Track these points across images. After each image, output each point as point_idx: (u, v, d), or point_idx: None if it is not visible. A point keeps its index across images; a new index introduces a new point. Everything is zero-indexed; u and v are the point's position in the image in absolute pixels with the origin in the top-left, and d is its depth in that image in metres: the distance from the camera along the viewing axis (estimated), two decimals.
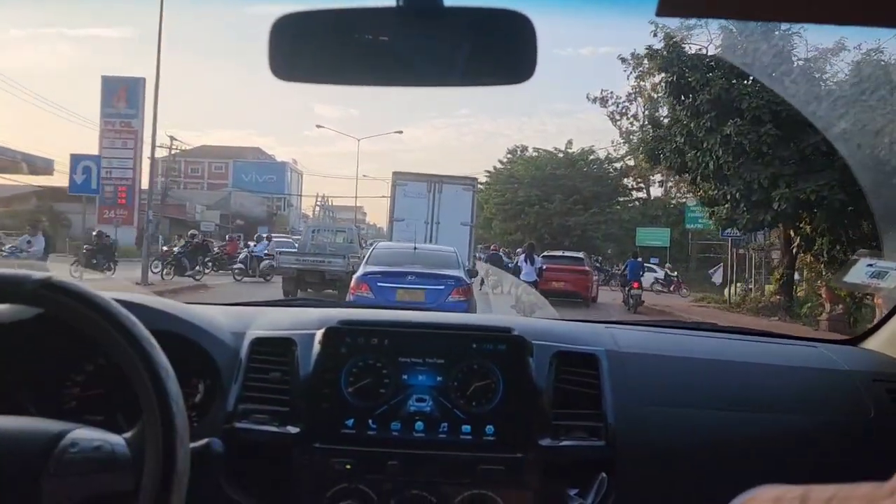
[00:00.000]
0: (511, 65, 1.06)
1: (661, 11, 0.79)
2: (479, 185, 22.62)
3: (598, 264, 28.57)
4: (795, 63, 15.04)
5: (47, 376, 1.49)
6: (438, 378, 1.55)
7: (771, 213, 15.63)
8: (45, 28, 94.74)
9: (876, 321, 2.03)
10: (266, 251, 22.33)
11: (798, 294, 18.10)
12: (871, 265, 2.49)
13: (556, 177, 38.58)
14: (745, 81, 15.96)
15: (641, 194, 42.08)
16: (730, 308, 19.90)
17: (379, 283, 8.84)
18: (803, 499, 0.62)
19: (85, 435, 0.97)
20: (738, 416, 1.61)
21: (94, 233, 19.70)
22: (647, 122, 21.75)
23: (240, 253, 22.69)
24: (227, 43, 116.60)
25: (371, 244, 13.35)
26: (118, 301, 1.03)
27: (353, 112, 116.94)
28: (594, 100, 40.88)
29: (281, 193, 57.92)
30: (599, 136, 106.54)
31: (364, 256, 10.79)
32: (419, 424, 1.52)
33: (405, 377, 1.55)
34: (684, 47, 17.37)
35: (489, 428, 1.51)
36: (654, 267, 28.55)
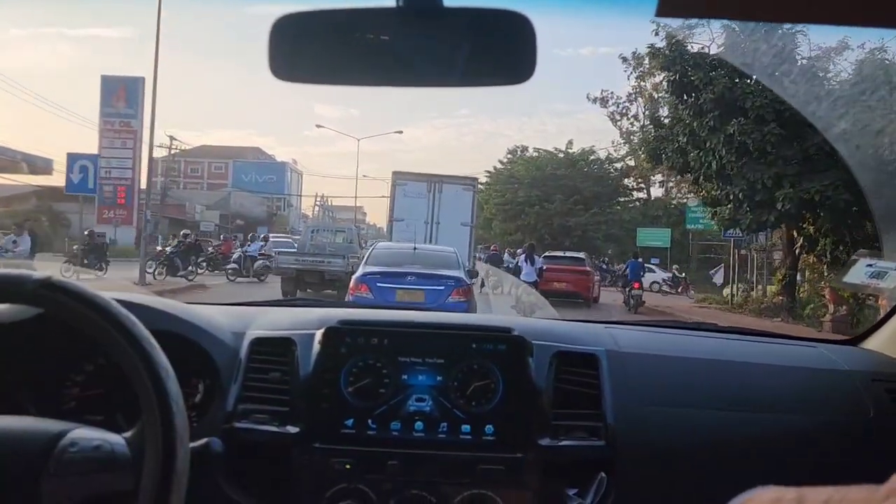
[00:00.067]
0: (511, 65, 1.06)
1: (661, 12, 0.79)
2: (480, 186, 22.54)
3: (604, 265, 28.38)
4: (799, 62, 14.83)
5: (47, 376, 1.49)
6: (438, 378, 1.55)
7: (774, 213, 15.48)
8: (45, 28, 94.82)
9: (875, 321, 2.03)
10: (260, 251, 22.24)
11: (801, 295, 18.00)
12: (870, 265, 2.49)
13: (556, 177, 38.57)
14: (749, 80, 15.78)
15: (642, 195, 42.13)
16: (732, 309, 19.78)
17: (378, 284, 8.79)
18: (799, 500, 0.62)
19: (85, 435, 0.97)
20: (737, 416, 1.61)
21: (85, 232, 19.50)
22: (648, 122, 21.67)
23: (233, 253, 22.49)
24: (227, 43, 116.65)
25: (371, 244, 13.31)
26: (118, 301, 1.03)
27: (353, 112, 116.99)
28: (594, 100, 40.90)
29: (281, 193, 57.94)
30: (600, 137, 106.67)
31: (363, 257, 10.78)
32: (419, 424, 1.52)
33: (405, 377, 1.55)
34: (687, 46, 17.27)
35: (489, 428, 1.52)
36: (653, 267, 28.47)
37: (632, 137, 39.96)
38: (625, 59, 36.15)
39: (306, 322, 1.66)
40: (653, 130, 19.55)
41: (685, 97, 16.96)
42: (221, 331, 1.61)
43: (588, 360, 1.62)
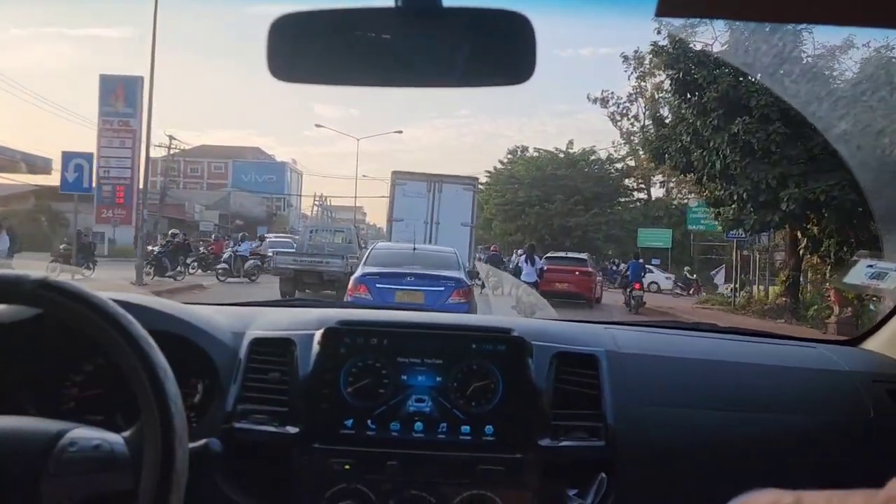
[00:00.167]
0: (510, 65, 1.06)
1: (661, 12, 0.79)
2: (480, 186, 22.46)
3: (613, 267, 28.11)
4: (804, 60, 14.60)
5: (46, 376, 1.49)
6: (438, 378, 1.55)
7: (779, 213, 15.32)
8: (45, 28, 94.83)
9: (876, 322, 2.03)
10: (253, 250, 22.10)
11: (804, 297, 17.86)
12: (871, 266, 2.49)
13: (556, 177, 38.55)
14: (754, 78, 15.55)
15: (643, 195, 42.12)
16: (734, 310, 19.65)
17: (377, 285, 8.70)
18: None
19: (84, 434, 0.97)
20: (737, 416, 1.61)
21: (72, 231, 19.16)
22: (649, 122, 21.57)
23: (224, 252, 22.07)
24: (226, 43, 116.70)
25: (370, 244, 13.25)
26: (116, 301, 1.03)
27: (353, 112, 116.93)
28: (595, 100, 41.02)
29: (280, 193, 57.95)
30: (600, 137, 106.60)
31: (362, 257, 10.74)
32: (418, 425, 1.52)
33: (404, 377, 1.55)
34: (690, 44, 17.14)
35: (488, 428, 1.51)
36: (652, 268, 28.38)
37: (632, 138, 40.04)
38: (626, 58, 36.21)
39: (306, 322, 1.66)
40: (655, 129, 19.37)
41: (688, 96, 16.78)
42: (220, 331, 1.61)
43: (588, 361, 1.62)
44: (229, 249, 21.83)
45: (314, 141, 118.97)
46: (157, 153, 39.70)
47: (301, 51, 1.06)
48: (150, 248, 20.99)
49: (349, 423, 1.50)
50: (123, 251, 25.79)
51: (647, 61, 36.68)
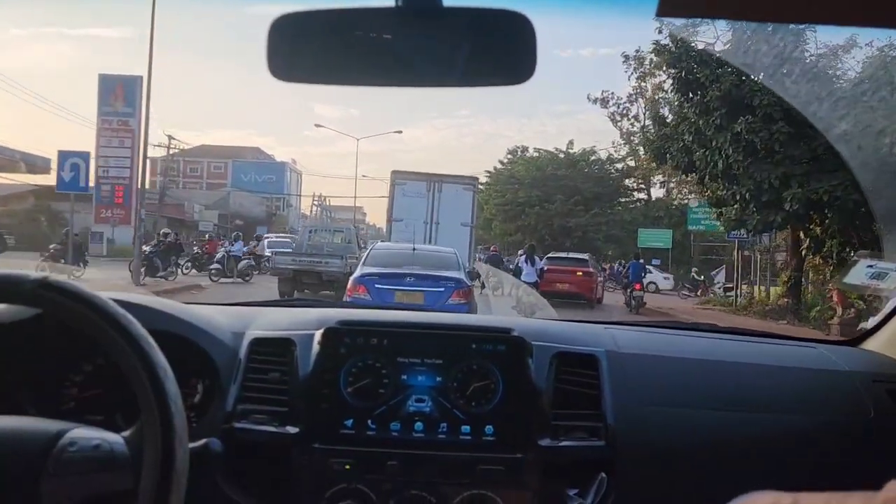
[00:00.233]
0: (511, 65, 1.06)
1: (662, 12, 0.78)
2: (480, 186, 22.37)
3: (621, 269, 27.82)
4: (807, 59, 14.47)
5: (46, 376, 1.49)
6: (438, 378, 1.55)
7: (782, 213, 15.18)
8: (45, 28, 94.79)
9: (876, 322, 2.03)
10: (249, 250, 21.84)
11: (805, 297, 17.73)
12: (871, 266, 2.49)
13: (556, 177, 38.55)
14: (756, 77, 15.46)
15: (643, 195, 42.12)
16: (735, 311, 19.51)
17: (377, 285, 8.63)
18: None
19: (84, 434, 0.97)
20: (737, 416, 1.61)
21: (63, 231, 18.83)
22: (650, 122, 21.47)
23: (217, 252, 21.65)
24: (226, 43, 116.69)
25: (370, 244, 13.21)
26: (116, 301, 1.03)
27: (353, 112, 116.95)
28: (595, 101, 41.08)
29: (280, 193, 57.95)
30: (600, 138, 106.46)
31: (362, 257, 10.66)
32: (418, 425, 1.52)
33: (404, 377, 1.55)
34: (692, 42, 17.04)
35: (489, 428, 1.51)
36: (651, 269, 28.26)
37: (632, 138, 40.07)
38: (627, 57, 36.20)
39: (306, 322, 1.66)
40: (657, 129, 19.23)
41: (691, 95, 16.63)
42: (221, 331, 1.61)
43: (588, 361, 1.62)
44: (222, 249, 21.48)
45: (314, 141, 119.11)
46: (156, 153, 39.77)
47: (301, 50, 1.06)
48: (144, 248, 20.95)
49: (349, 423, 1.50)
50: (122, 251, 25.73)
51: (647, 61, 36.76)
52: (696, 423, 1.59)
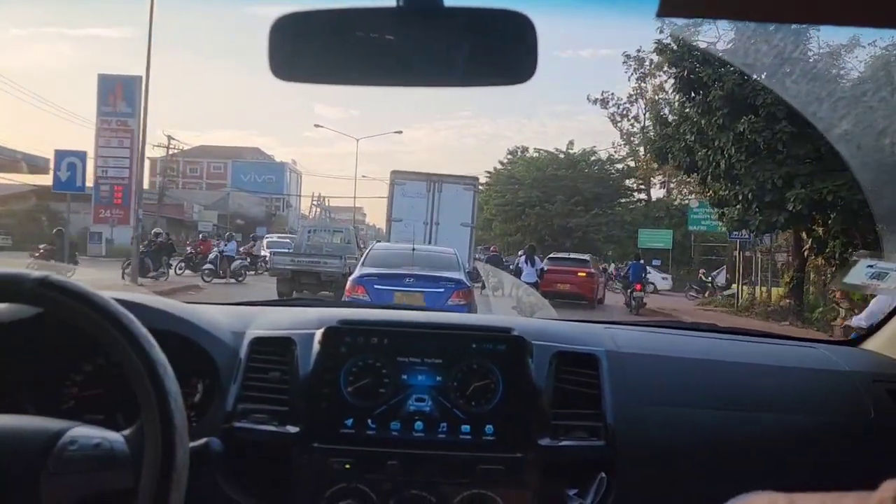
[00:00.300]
0: (511, 65, 1.06)
1: (662, 12, 0.78)
2: (480, 186, 22.30)
3: (620, 270, 27.51)
4: (810, 59, 14.33)
5: (46, 376, 1.49)
6: (438, 378, 1.55)
7: (785, 214, 14.98)
8: (45, 28, 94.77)
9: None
10: (245, 250, 21.65)
11: (808, 298, 17.60)
12: (871, 266, 2.49)
13: (557, 178, 38.56)
14: (759, 76, 15.28)
15: (643, 196, 42.13)
16: (737, 312, 19.34)
17: (376, 286, 8.53)
18: None
19: (84, 433, 0.97)
20: (737, 415, 1.61)
21: (54, 231, 18.52)
22: (650, 123, 21.33)
23: (210, 253, 21.31)
24: (227, 43, 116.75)
25: (370, 245, 13.16)
26: (117, 300, 1.03)
27: (353, 113, 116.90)
28: (595, 101, 41.15)
29: (280, 194, 57.97)
30: (600, 138, 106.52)
31: (361, 257, 10.59)
32: (418, 424, 1.52)
33: (405, 377, 1.55)
34: (694, 41, 16.92)
35: (489, 428, 1.52)
36: (651, 270, 28.11)
37: (632, 139, 40.11)
38: (628, 56, 36.22)
39: (306, 322, 1.66)
40: (658, 129, 19.05)
41: (693, 94, 16.47)
42: (221, 330, 1.61)
43: (588, 361, 1.62)
44: (215, 249, 21.20)
45: (314, 141, 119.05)
46: (156, 153, 39.73)
47: (302, 50, 1.06)
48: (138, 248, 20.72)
49: (349, 422, 1.50)
50: (121, 251, 25.61)
51: (647, 62, 36.78)
52: (695, 423, 1.59)
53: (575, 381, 1.59)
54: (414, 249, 10.00)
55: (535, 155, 42.17)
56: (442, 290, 8.54)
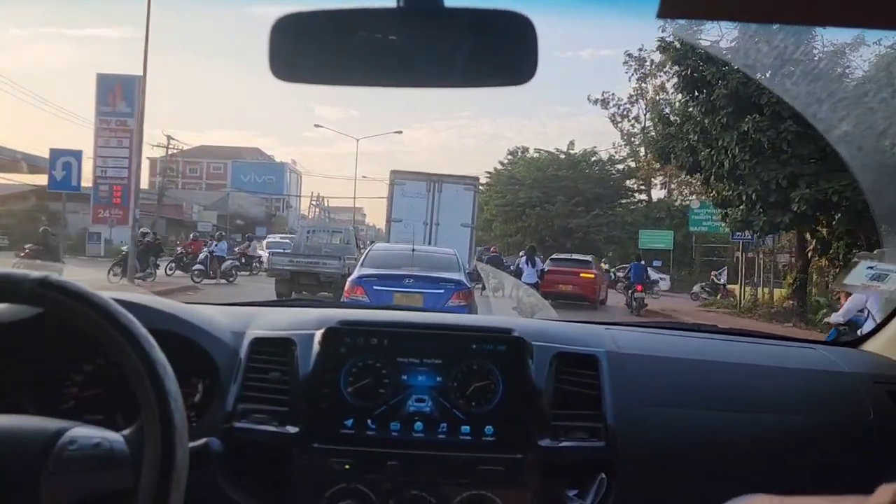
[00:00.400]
0: (512, 66, 1.06)
1: (663, 13, 0.79)
2: (480, 187, 22.21)
3: (621, 272, 27.21)
4: (816, 57, 13.92)
5: (46, 376, 1.49)
6: (438, 378, 1.55)
7: (789, 214, 14.78)
8: (45, 28, 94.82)
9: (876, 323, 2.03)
10: (240, 250, 21.33)
11: (811, 300, 17.47)
12: (871, 267, 2.48)
13: (557, 178, 38.57)
14: (763, 75, 14.82)
15: (644, 196, 42.14)
16: (740, 313, 19.19)
17: (375, 287, 8.45)
18: None
19: (84, 433, 0.97)
20: (737, 416, 1.61)
21: (40, 230, 17.89)
22: (651, 123, 21.20)
23: (200, 253, 20.94)
24: (227, 43, 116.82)
25: (370, 245, 13.09)
26: (117, 300, 1.03)
27: (353, 113, 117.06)
28: (595, 102, 41.20)
29: (280, 194, 57.97)
30: (600, 139, 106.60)
31: (360, 258, 10.50)
32: (418, 425, 1.52)
33: (405, 377, 1.55)
34: (698, 40, 16.77)
35: (488, 428, 1.51)
36: (649, 270, 27.95)
37: (633, 139, 40.11)
38: (630, 56, 36.21)
39: (306, 322, 1.66)
40: (661, 128, 18.83)
41: (696, 93, 16.24)
42: (221, 330, 1.61)
43: (588, 361, 1.62)
44: (205, 250, 20.82)
45: (314, 142, 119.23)
46: (155, 153, 39.70)
47: (302, 51, 1.06)
48: (122, 248, 20.05)
49: (349, 422, 1.50)
50: (120, 251, 25.64)
51: (648, 62, 36.78)
52: (696, 424, 1.59)
53: (575, 382, 1.59)
54: (414, 250, 9.90)
55: (536, 155, 42.20)
56: (442, 291, 8.46)
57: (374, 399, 1.53)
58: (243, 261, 23.55)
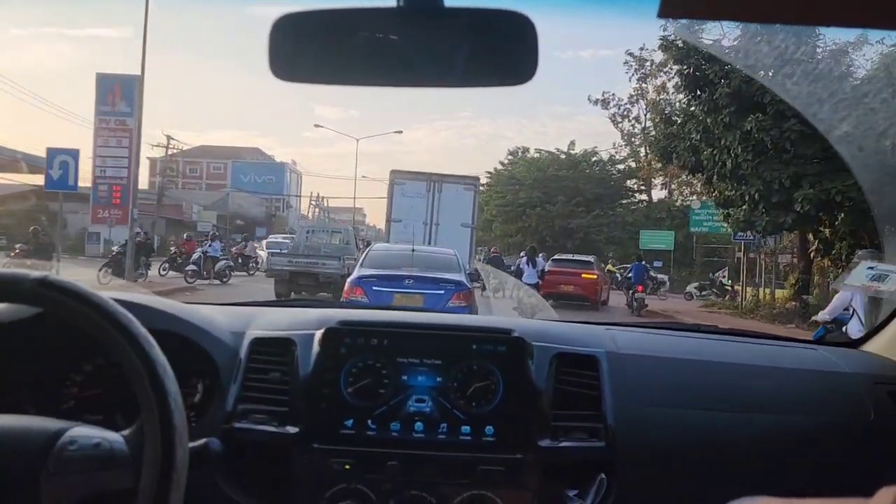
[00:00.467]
0: (512, 65, 1.06)
1: (663, 13, 0.78)
2: (480, 187, 22.11)
3: (623, 274, 26.92)
4: (820, 56, 13.83)
5: (46, 376, 1.49)
6: (438, 379, 1.55)
7: (792, 215, 14.66)
8: (45, 28, 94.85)
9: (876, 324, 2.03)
10: (237, 250, 21.16)
11: (813, 301, 17.56)
12: (871, 267, 2.48)
13: (558, 178, 38.54)
14: (767, 74, 14.71)
15: (644, 196, 42.12)
16: (742, 314, 19.04)
17: (374, 288, 8.37)
18: None
19: (84, 433, 0.97)
20: (737, 417, 1.61)
21: (30, 229, 17.85)
22: (651, 123, 21.10)
23: (194, 253, 20.67)
24: (227, 43, 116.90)
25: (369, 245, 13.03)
26: (117, 300, 1.03)
27: (353, 113, 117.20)
28: (595, 102, 41.19)
29: (280, 194, 57.98)
30: (601, 139, 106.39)
31: (359, 258, 10.42)
32: (419, 425, 1.52)
33: (405, 377, 1.55)
34: (700, 38, 16.67)
35: (489, 429, 1.51)
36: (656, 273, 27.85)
37: (633, 139, 40.11)
38: (631, 55, 36.18)
39: (306, 322, 1.66)
40: (663, 127, 18.67)
41: (699, 92, 16.10)
42: (221, 331, 1.61)
43: (588, 362, 1.62)
44: (199, 250, 20.60)
45: (314, 142, 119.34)
46: (155, 153, 39.67)
47: (302, 50, 1.06)
48: (112, 248, 19.85)
49: (349, 423, 1.50)
50: (110, 251, 25.49)
51: (649, 63, 36.76)
52: (696, 424, 1.59)
53: (575, 383, 1.59)
54: (413, 250, 9.80)
55: (536, 155, 42.18)
56: (442, 291, 8.38)
57: (375, 399, 1.52)
58: (240, 261, 23.46)
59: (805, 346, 1.94)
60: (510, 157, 43.72)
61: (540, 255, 19.56)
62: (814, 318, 11.52)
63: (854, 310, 7.14)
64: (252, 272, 23.49)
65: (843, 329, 7.34)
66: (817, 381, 1.74)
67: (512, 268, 20.16)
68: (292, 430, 1.47)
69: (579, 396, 1.58)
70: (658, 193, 41.66)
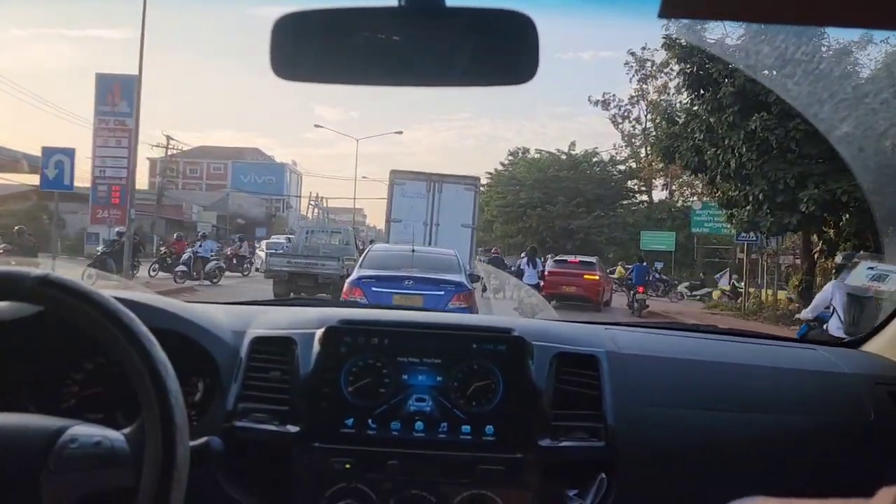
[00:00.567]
0: (513, 65, 1.06)
1: (664, 13, 0.79)
2: (481, 187, 22.00)
3: (656, 275, 26.61)
4: (824, 55, 13.55)
5: (47, 375, 1.49)
6: (438, 378, 1.55)
7: (797, 215, 14.50)
8: (45, 28, 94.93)
9: (876, 324, 2.03)
10: (233, 251, 20.87)
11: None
12: (871, 268, 2.48)
13: (558, 179, 38.51)
14: (772, 73, 15.06)
15: (645, 197, 42.10)
16: (745, 316, 18.89)
17: (374, 288, 8.29)
18: None
19: (84, 431, 0.97)
20: (737, 417, 1.61)
21: (15, 229, 17.63)
22: (651, 124, 20.98)
23: (184, 253, 20.50)
24: (227, 43, 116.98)
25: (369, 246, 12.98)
26: (118, 299, 1.03)
27: (353, 114, 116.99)
28: (596, 103, 41.19)
29: (280, 195, 57.97)
30: (601, 140, 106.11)
31: (359, 259, 10.36)
32: (419, 424, 1.52)
33: (405, 377, 1.55)
34: (703, 37, 16.57)
35: (489, 428, 1.52)
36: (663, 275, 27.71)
37: (634, 140, 40.10)
38: (633, 54, 36.17)
39: (306, 321, 1.66)
40: (665, 127, 18.46)
41: (702, 91, 15.92)
42: (222, 329, 1.61)
43: (588, 361, 1.62)
44: (189, 250, 20.50)
45: (314, 142, 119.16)
46: (155, 154, 39.65)
47: (303, 50, 1.06)
48: (97, 248, 19.69)
49: (350, 422, 1.50)
50: (95, 252, 25.33)
51: (649, 63, 36.76)
52: (696, 424, 1.59)
53: (575, 382, 1.59)
54: (413, 251, 9.75)
55: (537, 156, 42.14)
56: (442, 292, 8.31)
57: (375, 398, 1.53)
58: (234, 261, 23.34)
59: (805, 347, 1.94)
60: (510, 157, 43.73)
61: (541, 257, 19.51)
62: (797, 315, 11.50)
63: (834, 308, 7.26)
64: (247, 273, 23.35)
65: (824, 326, 7.46)
66: (817, 382, 1.74)
67: (513, 268, 20.15)
68: (293, 429, 1.47)
69: (579, 396, 1.58)
70: (659, 194, 41.70)
